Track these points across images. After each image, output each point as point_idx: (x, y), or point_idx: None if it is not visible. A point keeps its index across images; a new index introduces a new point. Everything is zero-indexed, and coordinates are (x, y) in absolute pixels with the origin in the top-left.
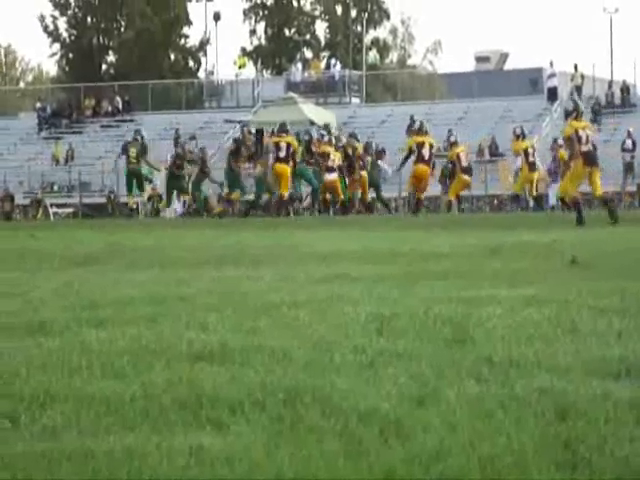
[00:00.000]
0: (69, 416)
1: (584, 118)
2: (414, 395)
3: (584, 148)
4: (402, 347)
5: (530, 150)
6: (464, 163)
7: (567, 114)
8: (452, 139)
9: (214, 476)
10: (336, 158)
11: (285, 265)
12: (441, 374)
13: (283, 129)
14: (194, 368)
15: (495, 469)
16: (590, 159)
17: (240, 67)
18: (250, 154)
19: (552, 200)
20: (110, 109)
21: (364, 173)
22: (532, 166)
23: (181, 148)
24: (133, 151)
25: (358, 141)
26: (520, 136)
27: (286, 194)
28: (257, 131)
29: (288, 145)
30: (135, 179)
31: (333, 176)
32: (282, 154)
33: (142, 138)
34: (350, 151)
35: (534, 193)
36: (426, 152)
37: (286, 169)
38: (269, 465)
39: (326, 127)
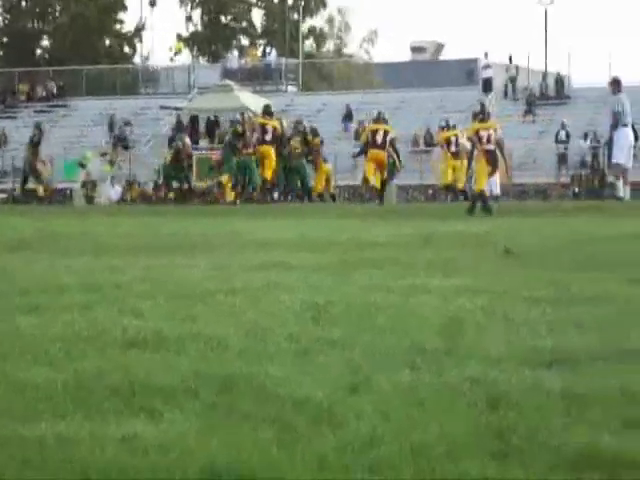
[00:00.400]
0: (1, 402)
1: (495, 117)
2: (347, 383)
3: (486, 147)
4: (336, 335)
5: (453, 139)
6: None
7: (474, 115)
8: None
9: (147, 463)
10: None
11: (222, 253)
12: (375, 362)
13: (268, 111)
14: (127, 355)
15: (427, 457)
16: (491, 158)
17: (176, 53)
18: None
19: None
20: (44, 94)
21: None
22: (454, 155)
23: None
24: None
25: (304, 127)
26: (445, 128)
27: (269, 178)
28: (191, 118)
29: (274, 129)
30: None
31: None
32: (268, 137)
33: (40, 131)
34: (310, 138)
35: (460, 185)
36: (379, 138)
37: (270, 150)
38: (202, 452)
39: (267, 108)
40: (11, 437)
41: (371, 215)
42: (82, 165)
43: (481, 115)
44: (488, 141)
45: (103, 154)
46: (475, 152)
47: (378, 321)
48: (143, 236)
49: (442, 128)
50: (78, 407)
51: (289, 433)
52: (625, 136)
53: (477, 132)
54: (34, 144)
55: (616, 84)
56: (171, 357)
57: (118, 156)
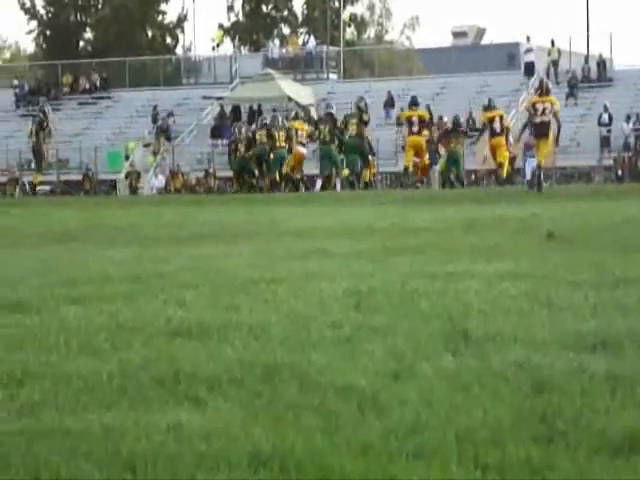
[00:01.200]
0: (47, 394)
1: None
2: (391, 370)
3: (539, 119)
4: (379, 322)
5: (497, 119)
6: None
7: (535, 90)
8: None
9: (192, 452)
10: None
11: (263, 241)
12: (418, 349)
13: (299, 116)
14: (172, 345)
15: (471, 442)
16: (542, 131)
17: (218, 44)
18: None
19: (528, 174)
20: (87, 86)
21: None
22: (494, 132)
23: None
24: (32, 128)
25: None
26: (488, 108)
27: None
28: (234, 108)
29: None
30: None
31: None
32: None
33: (44, 114)
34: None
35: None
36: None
37: (304, 153)
38: (247, 441)
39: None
40: (57, 428)
41: (412, 201)
42: (126, 156)
43: (539, 90)
44: (543, 113)
45: (146, 145)
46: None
47: (421, 307)
48: (186, 226)
49: (485, 108)
50: (123, 397)
51: (333, 420)
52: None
53: (534, 105)
54: (40, 129)
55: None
56: (215, 346)
57: (161, 146)
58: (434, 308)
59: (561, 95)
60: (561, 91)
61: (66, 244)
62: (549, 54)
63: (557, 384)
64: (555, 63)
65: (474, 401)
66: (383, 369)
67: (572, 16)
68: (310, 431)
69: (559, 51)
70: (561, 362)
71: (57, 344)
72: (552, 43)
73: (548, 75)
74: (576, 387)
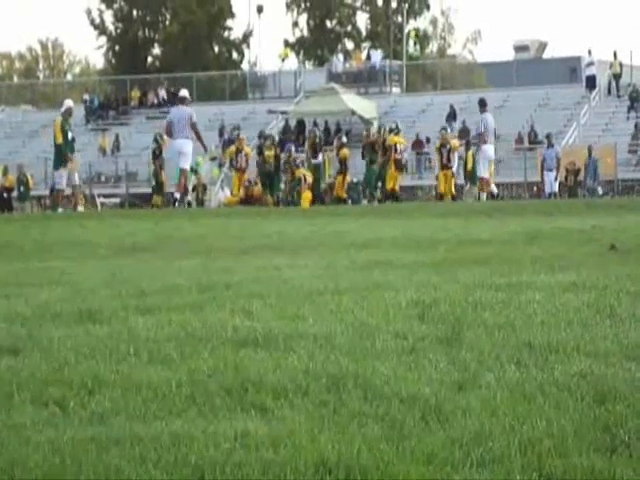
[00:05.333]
0: (117, 402)
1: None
2: (455, 380)
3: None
4: (443, 333)
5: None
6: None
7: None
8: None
9: (259, 460)
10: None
11: (327, 253)
12: (481, 359)
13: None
14: (239, 354)
15: (535, 452)
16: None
17: (283, 59)
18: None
19: (549, 188)
20: (156, 101)
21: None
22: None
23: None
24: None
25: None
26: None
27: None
28: (298, 122)
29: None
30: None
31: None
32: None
33: (159, 139)
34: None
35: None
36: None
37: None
38: (312, 449)
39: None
40: (127, 436)
41: (473, 213)
42: (193, 170)
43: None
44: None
45: (213, 158)
46: None
47: (484, 318)
48: (251, 237)
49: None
50: (191, 405)
51: (398, 430)
52: (487, 153)
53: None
54: (155, 156)
55: (481, 104)
56: (281, 356)
57: (227, 160)
58: (497, 319)
59: (622, 108)
60: (622, 104)
61: (136, 255)
62: (610, 67)
63: (620, 394)
64: (616, 76)
65: (537, 411)
66: (447, 379)
67: (634, 30)
68: (375, 440)
69: (621, 64)
70: (624, 373)
71: (127, 353)
72: (614, 56)
73: (609, 88)
74: (639, 397)
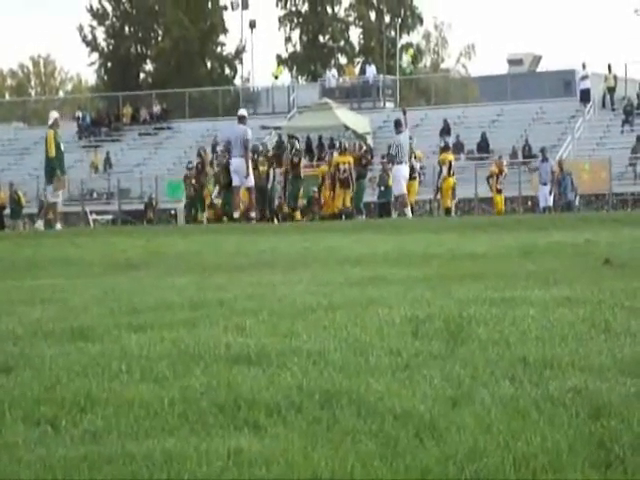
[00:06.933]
0: (109, 420)
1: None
2: (449, 396)
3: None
4: (437, 349)
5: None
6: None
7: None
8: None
9: (252, 477)
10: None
11: (320, 269)
12: (476, 375)
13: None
14: (232, 371)
15: (530, 469)
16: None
17: (276, 77)
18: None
19: (544, 202)
20: (148, 117)
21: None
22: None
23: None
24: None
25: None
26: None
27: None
28: (289, 137)
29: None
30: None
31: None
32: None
33: (202, 154)
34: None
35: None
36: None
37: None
38: (306, 466)
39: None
40: (120, 454)
41: (467, 227)
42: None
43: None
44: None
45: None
46: None
47: (478, 333)
48: (244, 254)
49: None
50: (184, 423)
51: (391, 446)
52: (401, 172)
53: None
54: (198, 171)
55: (396, 125)
56: (274, 372)
57: (221, 175)
58: (491, 334)
59: (617, 122)
60: (617, 118)
61: (128, 272)
62: (605, 81)
63: (615, 410)
64: (611, 90)
65: (532, 427)
66: (441, 395)
67: (627, 43)
68: (369, 456)
69: (615, 78)
70: (619, 388)
71: (119, 371)
72: (609, 69)
73: (604, 102)
74: (634, 413)
